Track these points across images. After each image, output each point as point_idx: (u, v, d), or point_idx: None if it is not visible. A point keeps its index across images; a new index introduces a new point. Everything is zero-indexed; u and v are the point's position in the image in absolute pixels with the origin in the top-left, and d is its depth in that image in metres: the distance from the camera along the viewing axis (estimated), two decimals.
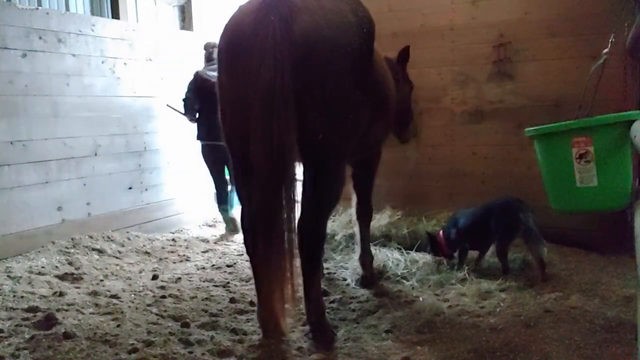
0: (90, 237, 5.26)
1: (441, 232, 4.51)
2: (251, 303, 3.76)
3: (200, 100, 6.03)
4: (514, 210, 4.03)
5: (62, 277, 4.36)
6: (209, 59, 6.16)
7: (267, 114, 2.70)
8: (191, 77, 6.14)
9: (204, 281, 4.40)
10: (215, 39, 3.27)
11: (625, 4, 4.09)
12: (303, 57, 2.78)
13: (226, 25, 3.11)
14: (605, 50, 3.35)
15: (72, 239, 5.13)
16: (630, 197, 2.95)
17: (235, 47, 2.96)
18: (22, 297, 3.84)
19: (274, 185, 2.75)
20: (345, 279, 4.30)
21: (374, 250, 4.48)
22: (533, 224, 3.98)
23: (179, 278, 4.46)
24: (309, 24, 2.82)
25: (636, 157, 3.43)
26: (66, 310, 3.57)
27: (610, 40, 3.32)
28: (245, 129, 2.81)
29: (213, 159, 6.10)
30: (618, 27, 3.63)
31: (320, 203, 3.11)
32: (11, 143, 4.81)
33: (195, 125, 6.23)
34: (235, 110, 3.01)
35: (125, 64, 5.97)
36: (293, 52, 2.73)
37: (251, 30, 2.81)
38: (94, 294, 3.97)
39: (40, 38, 5.05)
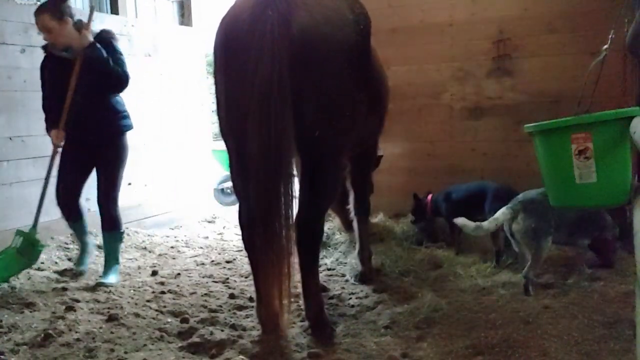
0: (90, 232, 5.25)
1: (430, 196, 4.88)
2: (250, 299, 3.77)
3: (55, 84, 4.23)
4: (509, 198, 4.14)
5: (62, 273, 4.37)
6: None
7: (265, 111, 2.69)
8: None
9: (203, 277, 4.40)
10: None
11: (624, 0, 4.08)
12: (301, 54, 2.77)
13: (222, 21, 3.10)
14: (605, 47, 3.34)
15: (71, 235, 5.13)
16: (629, 194, 2.95)
17: (231, 43, 2.95)
18: (21, 292, 3.84)
19: (272, 181, 2.74)
20: (344, 275, 4.30)
21: (372, 246, 4.48)
22: None
23: (178, 274, 4.47)
24: (307, 21, 2.82)
25: (635, 154, 3.42)
26: (65, 306, 3.57)
27: (609, 37, 3.30)
28: (242, 125, 2.81)
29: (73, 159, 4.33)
30: (617, 24, 3.61)
31: (318, 199, 3.11)
32: (10, 139, 4.81)
33: None
34: (232, 106, 3.00)
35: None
36: (291, 48, 2.72)
37: (248, 26, 2.80)
38: (93, 289, 3.97)
39: (39, 33, 5.03)
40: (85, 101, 4.11)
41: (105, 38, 4.23)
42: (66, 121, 4.12)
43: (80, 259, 4.54)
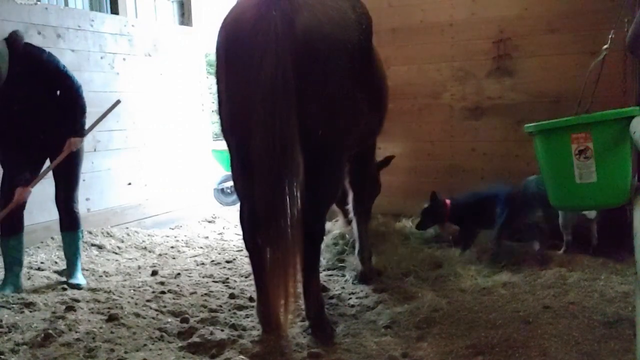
0: (90, 232, 5.26)
1: (448, 202, 4.65)
2: (250, 299, 3.77)
3: None
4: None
5: (61, 273, 4.37)
6: None
7: (269, 110, 2.70)
8: None
9: (203, 277, 4.40)
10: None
11: (624, 0, 4.08)
12: (304, 54, 2.78)
13: (225, 20, 3.11)
14: (605, 47, 3.34)
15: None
16: (629, 194, 2.96)
17: (235, 43, 2.96)
18: (21, 292, 3.84)
19: (277, 181, 2.74)
20: (344, 275, 4.30)
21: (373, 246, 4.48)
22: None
23: (179, 274, 4.46)
24: (310, 20, 2.83)
25: (636, 154, 3.42)
26: (65, 306, 3.57)
27: (609, 37, 3.31)
28: (246, 124, 2.81)
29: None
30: (618, 24, 3.62)
31: (320, 198, 3.11)
32: None
33: None
34: (235, 106, 3.00)
35: (124, 59, 5.96)
36: (294, 48, 2.73)
37: (252, 26, 2.81)
38: (93, 289, 3.97)
39: (39, 33, 5.04)
40: (40, 111, 3.93)
41: (26, 59, 3.80)
42: (17, 128, 3.88)
43: (17, 280, 3.99)
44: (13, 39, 3.80)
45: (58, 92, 4.03)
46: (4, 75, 3.69)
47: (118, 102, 4.51)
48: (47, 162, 4.16)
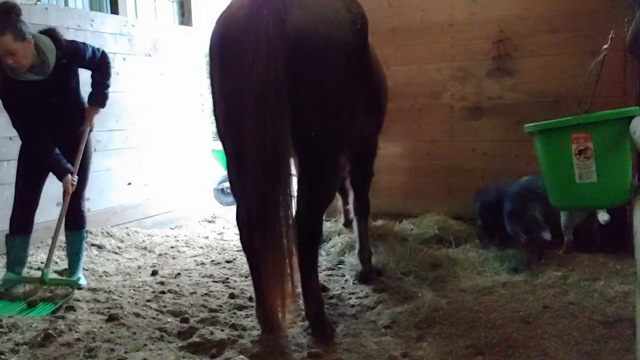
0: (90, 232, 5.25)
1: None
2: (250, 299, 3.77)
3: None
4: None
5: (61, 273, 4.37)
6: None
7: (261, 111, 2.69)
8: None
9: (203, 277, 4.40)
10: None
11: (625, 0, 4.08)
12: (296, 53, 2.77)
13: (218, 20, 3.11)
14: (605, 47, 3.34)
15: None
16: (629, 194, 2.96)
17: (227, 42, 2.96)
18: (21, 292, 3.84)
19: (270, 181, 2.74)
20: (344, 275, 4.30)
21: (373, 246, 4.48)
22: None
23: (179, 274, 4.47)
24: (302, 20, 2.81)
25: (636, 154, 3.43)
26: (65, 306, 3.57)
27: (609, 37, 3.31)
28: (239, 125, 2.80)
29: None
30: (618, 24, 3.63)
31: (317, 199, 3.11)
32: (10, 139, 4.81)
33: None
34: (228, 106, 3.00)
35: (124, 59, 5.96)
36: (286, 48, 2.72)
37: (244, 25, 2.80)
38: (93, 289, 3.97)
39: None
40: (58, 107, 3.97)
41: (71, 51, 3.92)
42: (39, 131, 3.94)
43: (14, 280, 3.97)
44: (53, 34, 3.90)
45: (93, 68, 4.14)
46: (51, 68, 3.81)
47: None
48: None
